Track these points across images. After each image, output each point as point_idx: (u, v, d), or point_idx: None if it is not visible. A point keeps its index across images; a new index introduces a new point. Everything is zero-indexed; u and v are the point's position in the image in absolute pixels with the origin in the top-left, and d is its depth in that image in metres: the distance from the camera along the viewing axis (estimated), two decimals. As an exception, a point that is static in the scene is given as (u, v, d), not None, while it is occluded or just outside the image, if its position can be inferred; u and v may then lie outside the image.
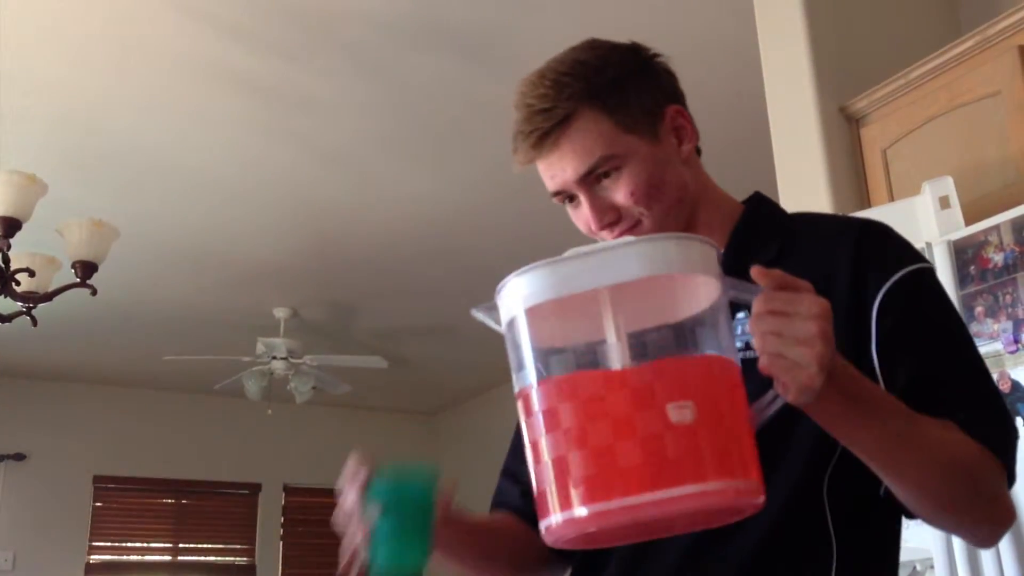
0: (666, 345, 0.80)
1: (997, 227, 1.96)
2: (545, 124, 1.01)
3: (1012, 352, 1.88)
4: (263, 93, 3.52)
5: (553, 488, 0.76)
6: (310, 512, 7.32)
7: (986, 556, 1.81)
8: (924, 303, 1.00)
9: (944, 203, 2.11)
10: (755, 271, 0.79)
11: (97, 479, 6.69)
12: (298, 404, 5.92)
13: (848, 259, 1.00)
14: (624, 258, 0.77)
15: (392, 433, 7.53)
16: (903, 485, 0.90)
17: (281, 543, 7.20)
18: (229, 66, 3.35)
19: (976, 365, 0.99)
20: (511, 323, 0.80)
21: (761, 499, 0.78)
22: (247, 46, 3.26)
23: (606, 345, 0.77)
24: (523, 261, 0.79)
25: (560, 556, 1.11)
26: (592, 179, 1.03)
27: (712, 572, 0.96)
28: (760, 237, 1.07)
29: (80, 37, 3.19)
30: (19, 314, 3.55)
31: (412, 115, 3.70)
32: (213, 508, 7.11)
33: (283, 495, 7.28)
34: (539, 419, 0.78)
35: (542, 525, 0.78)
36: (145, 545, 6.91)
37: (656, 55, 1.10)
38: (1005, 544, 1.77)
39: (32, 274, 3.39)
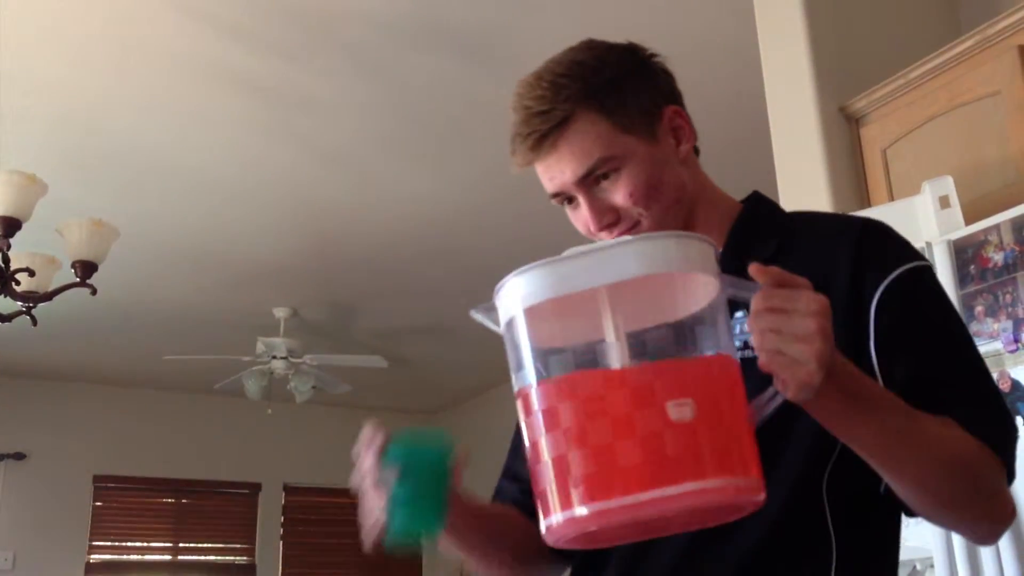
0: (665, 344, 0.80)
1: (997, 227, 1.96)
2: (543, 126, 1.01)
3: (1012, 351, 1.88)
4: (263, 93, 3.52)
5: (553, 487, 0.76)
6: (310, 512, 7.33)
7: (986, 555, 1.81)
8: (922, 301, 1.00)
9: (944, 203, 2.11)
10: (753, 268, 0.79)
11: (97, 479, 6.69)
12: (298, 404, 5.92)
13: (847, 257, 1.00)
14: (622, 257, 0.77)
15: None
16: (903, 482, 0.90)
17: (281, 542, 7.20)
18: (229, 66, 3.35)
19: (975, 363, 0.99)
20: (510, 323, 0.80)
21: (761, 496, 0.78)
22: (247, 46, 3.26)
23: (605, 344, 0.77)
24: (523, 261, 0.79)
25: (560, 554, 1.11)
26: (591, 181, 1.03)
27: (712, 570, 0.96)
28: (758, 236, 1.07)
29: (80, 37, 3.19)
30: (19, 314, 3.55)
31: (412, 115, 3.70)
32: (213, 508, 7.11)
33: (283, 495, 7.29)
34: (539, 419, 0.78)
35: (543, 525, 0.78)
36: (145, 544, 6.92)
37: (653, 55, 1.10)
38: (1005, 543, 1.77)
39: (32, 274, 3.39)
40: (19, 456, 6.43)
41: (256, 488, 7.21)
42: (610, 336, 0.77)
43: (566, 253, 0.77)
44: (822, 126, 2.52)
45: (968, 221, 2.06)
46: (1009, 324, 1.90)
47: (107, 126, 3.69)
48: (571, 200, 1.06)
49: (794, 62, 2.60)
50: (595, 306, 0.77)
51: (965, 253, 2.00)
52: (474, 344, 5.70)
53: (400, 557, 7.55)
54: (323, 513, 7.37)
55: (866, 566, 0.98)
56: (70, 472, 6.57)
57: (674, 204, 1.06)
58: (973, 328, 1.92)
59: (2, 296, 3.37)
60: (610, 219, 1.04)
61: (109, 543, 6.71)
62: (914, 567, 2.01)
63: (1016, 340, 1.88)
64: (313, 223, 4.57)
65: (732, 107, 3.45)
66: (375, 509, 0.93)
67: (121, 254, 3.95)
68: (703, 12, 3.14)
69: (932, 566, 1.91)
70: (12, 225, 3.19)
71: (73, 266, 3.43)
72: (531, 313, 0.79)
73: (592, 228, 1.05)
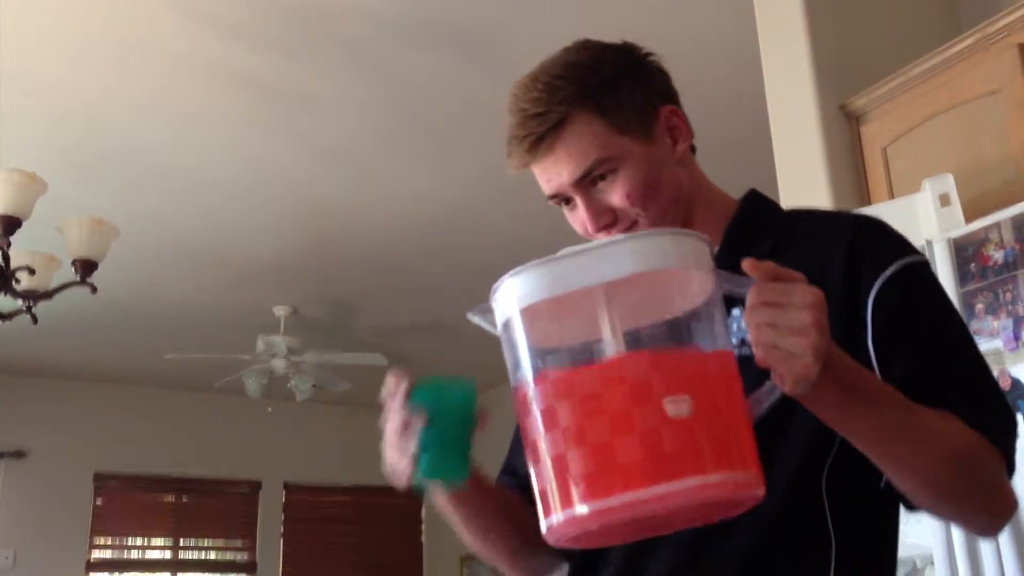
0: (662, 341, 0.80)
1: (997, 224, 1.96)
2: (539, 129, 1.01)
3: (1012, 350, 1.88)
4: (263, 91, 3.52)
5: (553, 487, 0.76)
6: (310, 509, 7.34)
7: (986, 552, 1.81)
8: (920, 297, 1.00)
9: (944, 200, 2.11)
10: (747, 263, 0.79)
11: (98, 477, 6.69)
12: (298, 402, 5.92)
13: (843, 253, 1.00)
14: (617, 255, 0.77)
15: (392, 431, 7.53)
16: (903, 475, 0.90)
17: (282, 540, 7.21)
18: (229, 65, 3.35)
19: (973, 357, 0.99)
20: (507, 324, 0.80)
21: (761, 491, 0.78)
22: (247, 44, 3.26)
23: (602, 343, 0.77)
24: (523, 258, 0.79)
25: (558, 551, 1.11)
26: (587, 182, 1.03)
27: (712, 567, 0.97)
28: (755, 234, 1.07)
29: (80, 37, 3.19)
30: (19, 312, 3.55)
31: (412, 113, 3.70)
32: (214, 505, 7.12)
33: (283, 492, 7.29)
34: (537, 419, 0.78)
35: (543, 525, 0.79)
36: (146, 543, 6.92)
37: (649, 54, 1.10)
38: (1005, 539, 1.77)
39: (32, 272, 3.40)
40: (20, 454, 6.43)
41: (257, 486, 7.22)
42: (607, 334, 0.77)
43: (561, 252, 0.77)
44: (822, 124, 2.52)
45: (968, 219, 2.06)
46: (1009, 322, 1.90)
47: (107, 126, 3.69)
48: (568, 201, 1.06)
49: (794, 61, 2.60)
50: (591, 305, 0.77)
51: (965, 251, 2.00)
52: (474, 342, 5.69)
53: (400, 556, 7.55)
54: (323, 511, 7.38)
55: (865, 562, 0.98)
56: (71, 470, 6.57)
57: (671, 204, 1.06)
58: (973, 326, 1.92)
59: (2, 294, 3.37)
60: (607, 220, 1.04)
61: (110, 541, 6.72)
62: (914, 564, 2.01)
63: (1016, 338, 1.88)
64: (313, 221, 4.57)
65: (732, 106, 3.45)
66: (404, 452, 0.93)
67: (121, 252, 3.95)
68: (703, 11, 3.14)
69: (932, 563, 1.91)
70: (12, 223, 3.19)
71: (73, 264, 3.43)
72: (528, 313, 0.79)
73: (589, 229, 1.05)
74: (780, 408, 0.82)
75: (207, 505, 7.10)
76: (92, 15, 3.09)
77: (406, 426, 0.93)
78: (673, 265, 0.79)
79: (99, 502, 6.71)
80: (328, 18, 3.15)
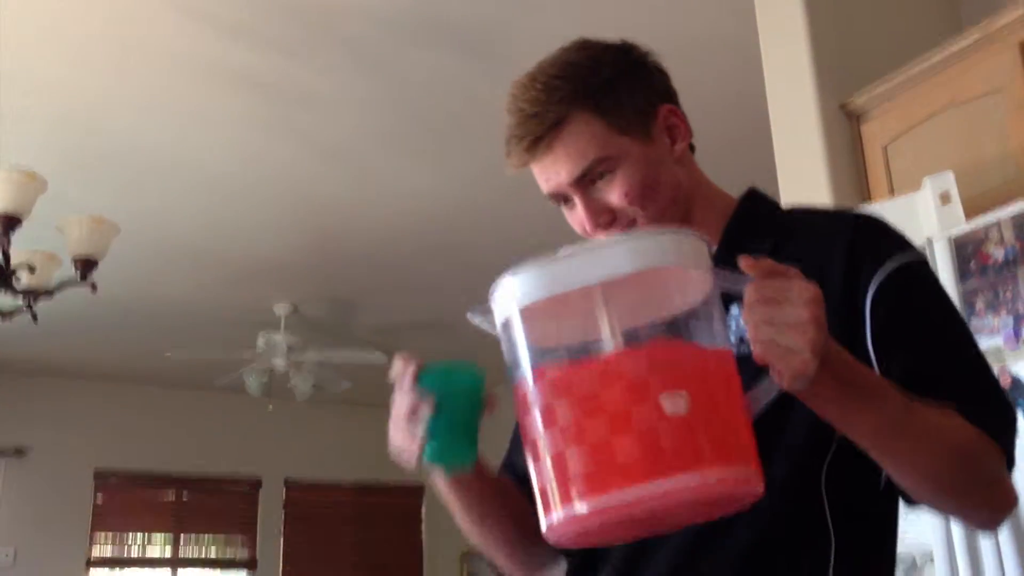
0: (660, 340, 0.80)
1: (998, 223, 1.96)
2: (538, 128, 1.01)
3: (1012, 348, 1.88)
4: (263, 90, 3.52)
5: (553, 485, 0.77)
6: (311, 507, 7.34)
7: (986, 549, 1.81)
8: (918, 295, 1.00)
9: (945, 199, 2.11)
10: (744, 261, 0.79)
11: (98, 474, 6.70)
12: (299, 400, 5.93)
13: (842, 251, 1.00)
14: (615, 254, 0.77)
15: (393, 429, 7.54)
16: (902, 470, 0.90)
17: (282, 538, 7.21)
18: (229, 64, 3.35)
19: (972, 354, 0.99)
20: (506, 324, 0.80)
21: (760, 488, 0.78)
22: (247, 43, 3.26)
23: (601, 342, 0.77)
24: (523, 256, 0.79)
25: (556, 549, 1.11)
26: (586, 181, 1.03)
27: (711, 565, 0.96)
28: (754, 232, 1.07)
29: (80, 37, 3.19)
30: (20, 310, 3.55)
31: (412, 111, 3.70)
32: (214, 503, 7.13)
33: (284, 490, 7.30)
34: (536, 417, 0.78)
35: (543, 524, 0.79)
36: (146, 540, 6.93)
37: (647, 53, 1.09)
38: (1005, 536, 1.78)
39: (33, 270, 3.40)
40: (20, 452, 6.44)
41: (257, 484, 7.22)
42: (605, 333, 0.77)
43: (559, 252, 0.77)
44: (823, 123, 2.52)
45: (969, 217, 2.06)
46: (1010, 320, 1.90)
47: (107, 126, 3.69)
48: (567, 200, 1.06)
49: (795, 59, 2.60)
50: (590, 304, 0.78)
51: (965, 249, 2.01)
52: (474, 340, 5.68)
53: (400, 554, 7.55)
54: (324, 509, 7.38)
55: (865, 558, 0.98)
56: (71, 468, 6.58)
57: (670, 203, 1.06)
58: (973, 324, 1.92)
59: (3, 293, 3.38)
60: (606, 219, 1.04)
61: (110, 538, 6.73)
62: (914, 560, 2.02)
63: (1017, 336, 1.88)
64: (313, 219, 4.57)
65: (732, 105, 3.45)
66: (411, 435, 0.93)
67: (121, 251, 3.95)
68: (703, 11, 3.14)
69: (932, 560, 1.91)
70: (12, 222, 3.19)
71: (74, 263, 3.43)
72: (526, 313, 0.79)
73: (588, 228, 1.05)
74: (779, 405, 0.82)
75: (207, 502, 7.11)
76: (92, 15, 3.09)
77: (414, 409, 0.93)
78: (671, 264, 0.79)
79: (99, 499, 6.71)
80: (328, 17, 3.15)
